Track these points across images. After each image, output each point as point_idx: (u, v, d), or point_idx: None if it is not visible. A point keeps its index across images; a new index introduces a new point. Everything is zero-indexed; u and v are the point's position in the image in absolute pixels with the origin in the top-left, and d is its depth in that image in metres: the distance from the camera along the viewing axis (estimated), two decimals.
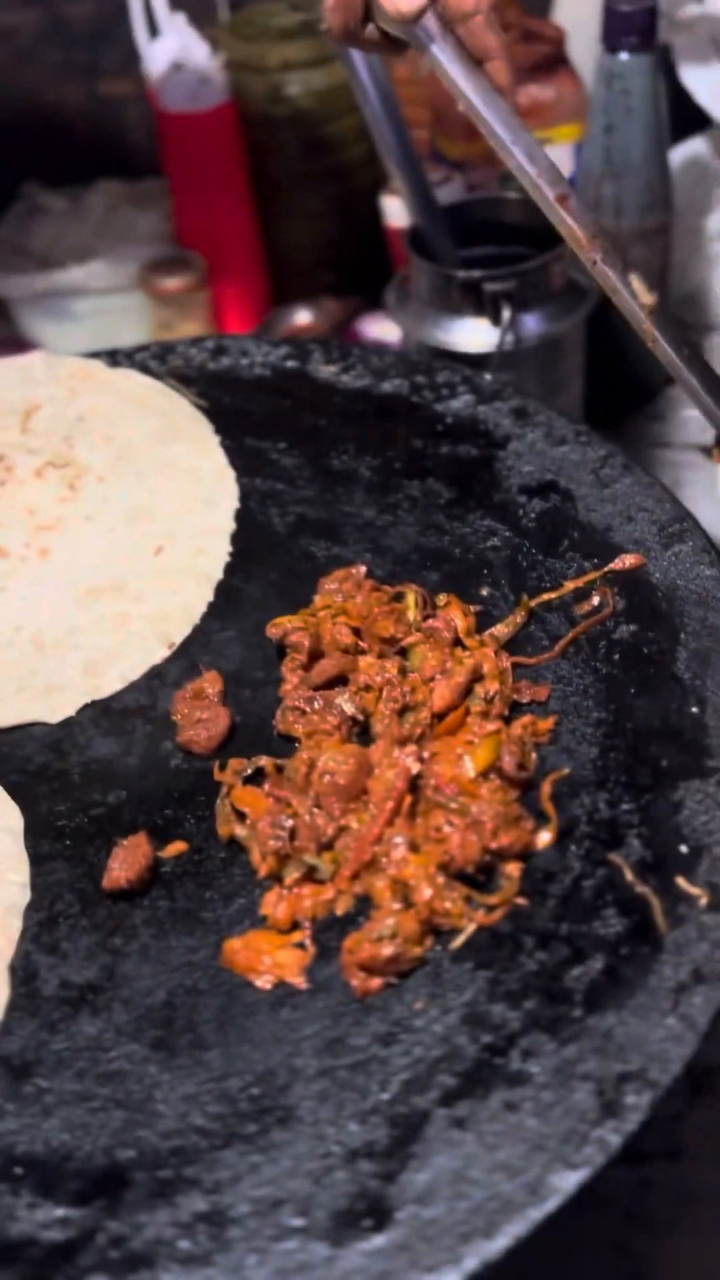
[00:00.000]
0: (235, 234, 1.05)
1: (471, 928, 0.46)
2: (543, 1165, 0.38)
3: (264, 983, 0.45)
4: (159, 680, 0.58)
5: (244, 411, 0.69)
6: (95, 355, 0.73)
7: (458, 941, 0.45)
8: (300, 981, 0.45)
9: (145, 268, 1.03)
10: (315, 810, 0.49)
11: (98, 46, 1.16)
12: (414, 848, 0.47)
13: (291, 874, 0.48)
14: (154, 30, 1.04)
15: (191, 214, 1.05)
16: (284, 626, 0.57)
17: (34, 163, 1.17)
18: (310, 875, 0.48)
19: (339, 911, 0.47)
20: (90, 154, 1.18)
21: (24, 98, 1.17)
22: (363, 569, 0.59)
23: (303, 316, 1.03)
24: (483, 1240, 0.37)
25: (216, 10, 1.09)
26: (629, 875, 0.45)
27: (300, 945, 0.46)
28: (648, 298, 0.52)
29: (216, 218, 1.04)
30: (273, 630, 0.57)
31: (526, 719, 0.51)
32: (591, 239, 0.55)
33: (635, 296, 0.53)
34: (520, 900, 0.46)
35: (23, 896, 0.50)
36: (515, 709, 0.53)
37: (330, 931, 0.47)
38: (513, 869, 0.47)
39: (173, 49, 1.01)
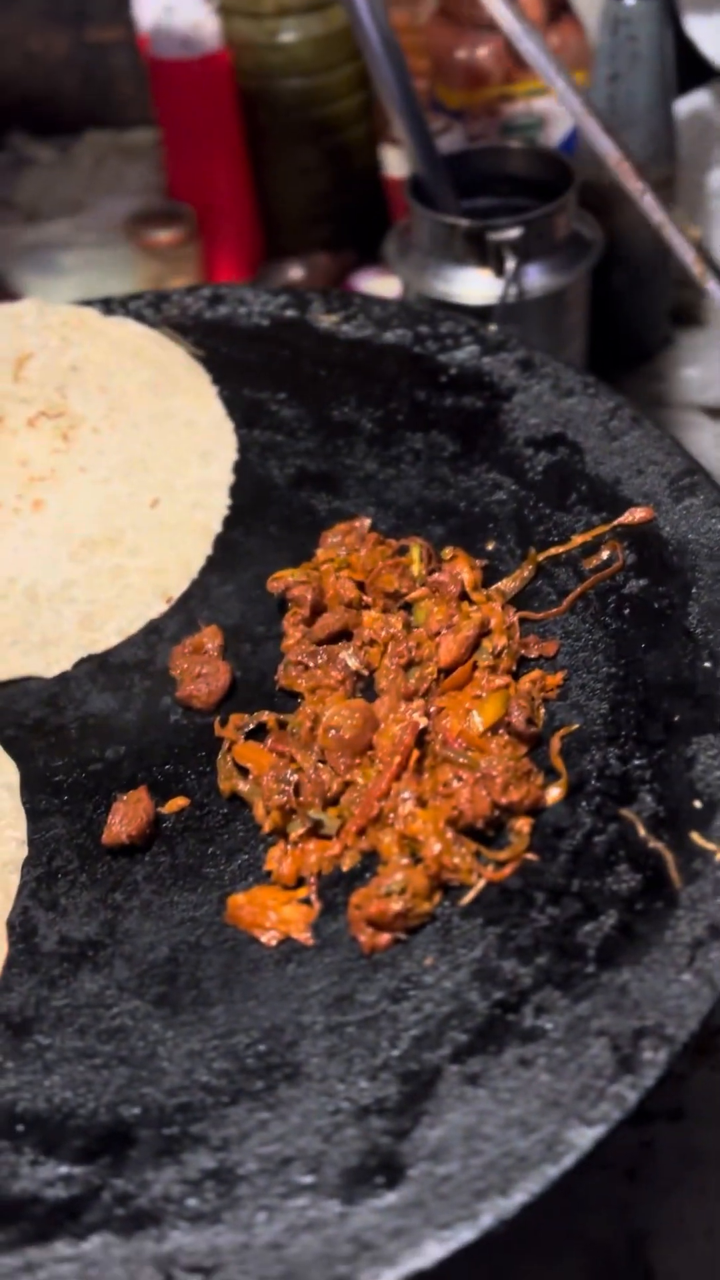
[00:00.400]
0: (227, 186, 1.02)
1: (481, 883, 0.45)
2: (558, 1121, 0.38)
3: (269, 939, 0.44)
4: (157, 635, 0.57)
5: (242, 361, 0.67)
6: (89, 303, 0.71)
7: (467, 898, 0.44)
8: (306, 937, 0.44)
9: (134, 220, 1.01)
10: (320, 765, 0.48)
11: None
12: (422, 803, 0.46)
13: (296, 829, 0.47)
14: None
15: (182, 165, 1.03)
16: (286, 580, 0.56)
17: (19, 113, 1.15)
18: (315, 830, 0.47)
19: (345, 867, 0.46)
20: (78, 104, 1.15)
21: (8, 45, 1.14)
22: (366, 522, 0.58)
23: (296, 271, 1.01)
24: (498, 1197, 0.36)
25: None
26: (642, 830, 0.45)
27: (305, 901, 0.45)
28: (694, 231, 0.50)
29: (208, 169, 1.02)
30: (274, 584, 0.56)
31: (535, 674, 0.50)
32: (640, 170, 0.53)
33: (683, 230, 0.52)
34: (530, 856, 0.45)
35: (20, 852, 0.48)
36: (523, 664, 0.52)
37: (336, 887, 0.46)
38: (522, 825, 0.46)
39: None
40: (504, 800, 0.46)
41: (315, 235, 1.06)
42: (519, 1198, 0.36)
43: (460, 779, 0.46)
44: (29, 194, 1.08)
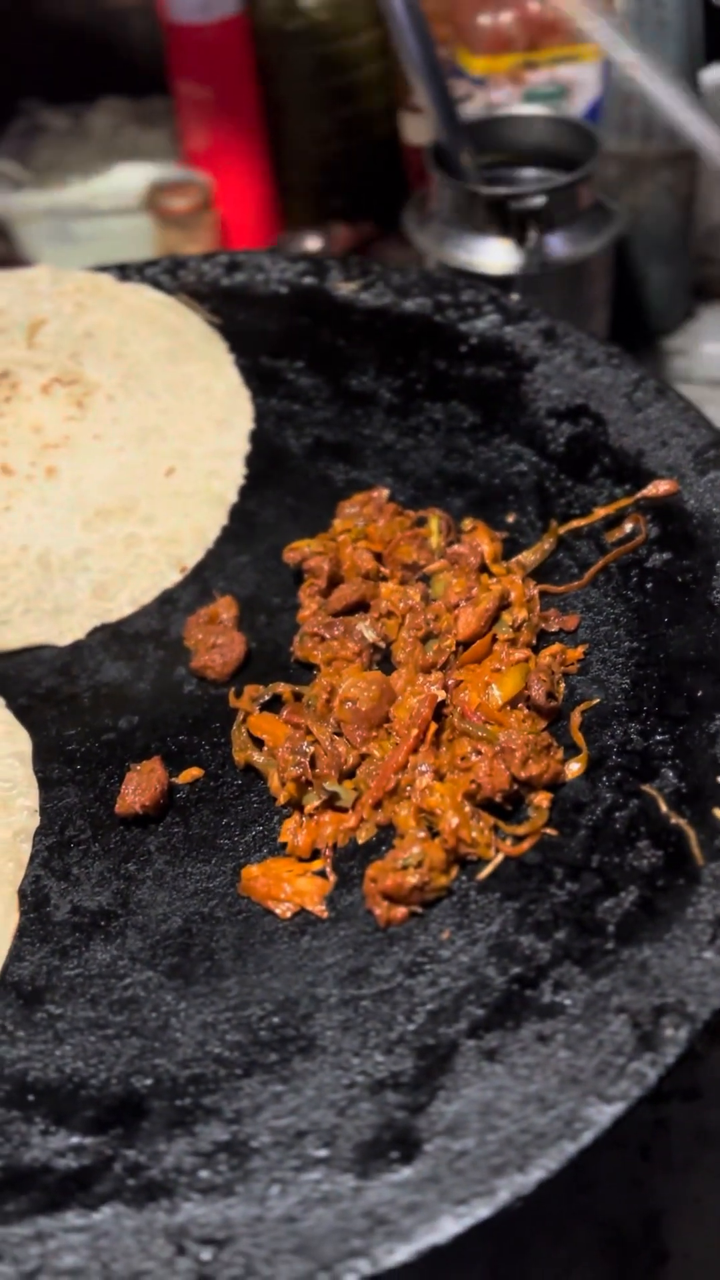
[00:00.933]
0: (244, 154, 1.01)
1: (499, 858, 0.44)
2: (577, 1098, 0.37)
3: (284, 910, 0.44)
4: (171, 605, 0.56)
5: (259, 329, 0.66)
6: (104, 269, 0.70)
7: (485, 872, 0.44)
8: (321, 910, 0.44)
9: (151, 188, 1.00)
10: (336, 737, 0.48)
11: None
12: (439, 776, 0.46)
13: (312, 801, 0.46)
14: None
15: (199, 132, 1.01)
16: (302, 551, 0.55)
17: (34, 79, 1.13)
18: (331, 803, 0.47)
19: (361, 839, 0.45)
20: (93, 70, 1.13)
21: (22, 9, 1.13)
22: (384, 492, 0.57)
23: (313, 242, 1.00)
24: (516, 1174, 0.36)
25: None
26: (663, 806, 0.44)
27: (321, 873, 0.45)
28: None
29: (224, 136, 1.00)
30: (290, 555, 0.55)
31: (555, 648, 0.50)
32: None
33: None
34: (550, 831, 0.44)
35: (32, 821, 0.48)
36: (544, 638, 0.51)
37: (352, 860, 0.45)
38: (541, 799, 0.45)
39: None
40: (523, 774, 0.45)
41: (333, 206, 1.05)
42: (537, 1174, 0.36)
43: (479, 753, 0.46)
44: (43, 161, 1.06)
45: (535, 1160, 0.36)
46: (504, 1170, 0.36)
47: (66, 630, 0.55)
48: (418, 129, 0.92)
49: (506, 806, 0.45)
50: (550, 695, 0.48)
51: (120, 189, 1.02)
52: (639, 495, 0.54)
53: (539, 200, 0.70)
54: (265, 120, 1.02)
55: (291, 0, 0.97)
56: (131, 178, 1.02)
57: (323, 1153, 0.37)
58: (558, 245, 0.73)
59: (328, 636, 0.52)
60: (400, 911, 0.43)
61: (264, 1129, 0.38)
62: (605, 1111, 0.37)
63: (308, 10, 0.97)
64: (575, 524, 0.54)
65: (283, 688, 0.50)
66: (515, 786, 0.45)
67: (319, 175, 1.04)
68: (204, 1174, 0.37)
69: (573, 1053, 0.38)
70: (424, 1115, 0.37)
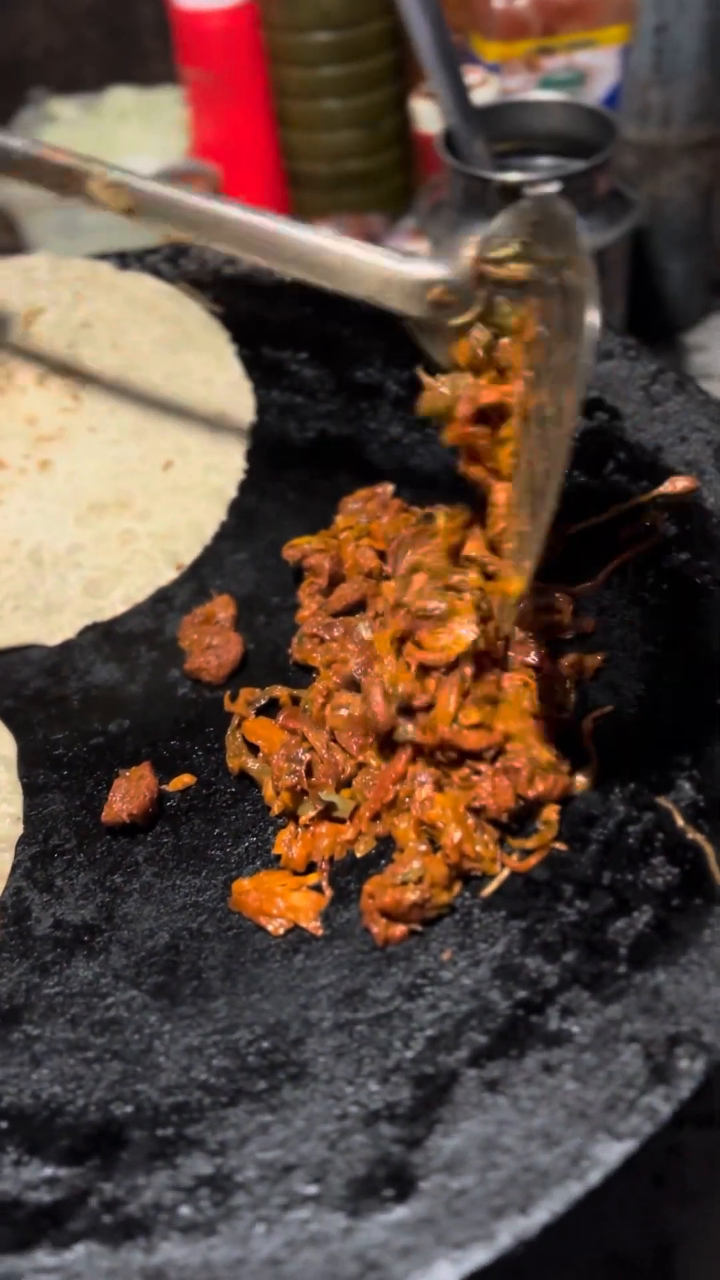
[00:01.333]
0: (252, 144, 0.99)
1: (504, 873, 0.42)
2: (584, 1134, 0.35)
3: (276, 927, 0.41)
4: (166, 604, 0.54)
5: (262, 319, 0.64)
6: (103, 257, 0.68)
7: (489, 888, 0.41)
8: (316, 927, 0.41)
9: (157, 178, 0.97)
10: (333, 745, 0.45)
11: None
12: (440, 786, 0.43)
13: (307, 811, 0.44)
14: None
15: (207, 121, 0.99)
16: (302, 548, 0.52)
17: (42, 68, 1.11)
18: (327, 813, 0.44)
19: (359, 853, 0.43)
20: (102, 59, 1.12)
21: None
22: (389, 488, 0.55)
23: None
24: (517, 1215, 0.33)
25: None
26: (680, 820, 0.41)
27: (316, 888, 0.42)
28: None
29: (233, 126, 0.99)
30: (290, 552, 0.53)
31: (573, 657, 0.47)
32: None
33: None
34: (558, 846, 0.42)
35: (15, 829, 0.46)
36: (560, 645, 0.48)
37: (349, 874, 0.43)
38: (550, 812, 0.43)
39: None
40: (530, 793, 0.42)
41: (342, 199, 1.03)
42: (540, 1216, 0.33)
43: (479, 772, 0.43)
44: None
45: (539, 1201, 0.33)
46: (505, 1212, 0.33)
47: (57, 629, 0.53)
48: (430, 117, 0.90)
49: (512, 825, 0.43)
50: (561, 707, 0.45)
51: None
52: (656, 492, 0.52)
53: (554, 187, 0.68)
54: (275, 109, 1.00)
55: None
56: (138, 168, 1.00)
57: (312, 1189, 0.35)
58: None
59: (327, 638, 0.49)
60: (399, 930, 0.41)
61: (250, 1162, 0.36)
62: (614, 1149, 0.34)
63: None
64: (590, 522, 0.52)
65: (279, 691, 0.48)
66: (522, 804, 0.43)
67: (329, 167, 1.02)
68: (184, 1210, 0.35)
69: (580, 1084, 0.36)
70: (421, 1150, 0.35)
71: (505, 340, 0.45)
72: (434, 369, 0.48)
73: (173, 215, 0.50)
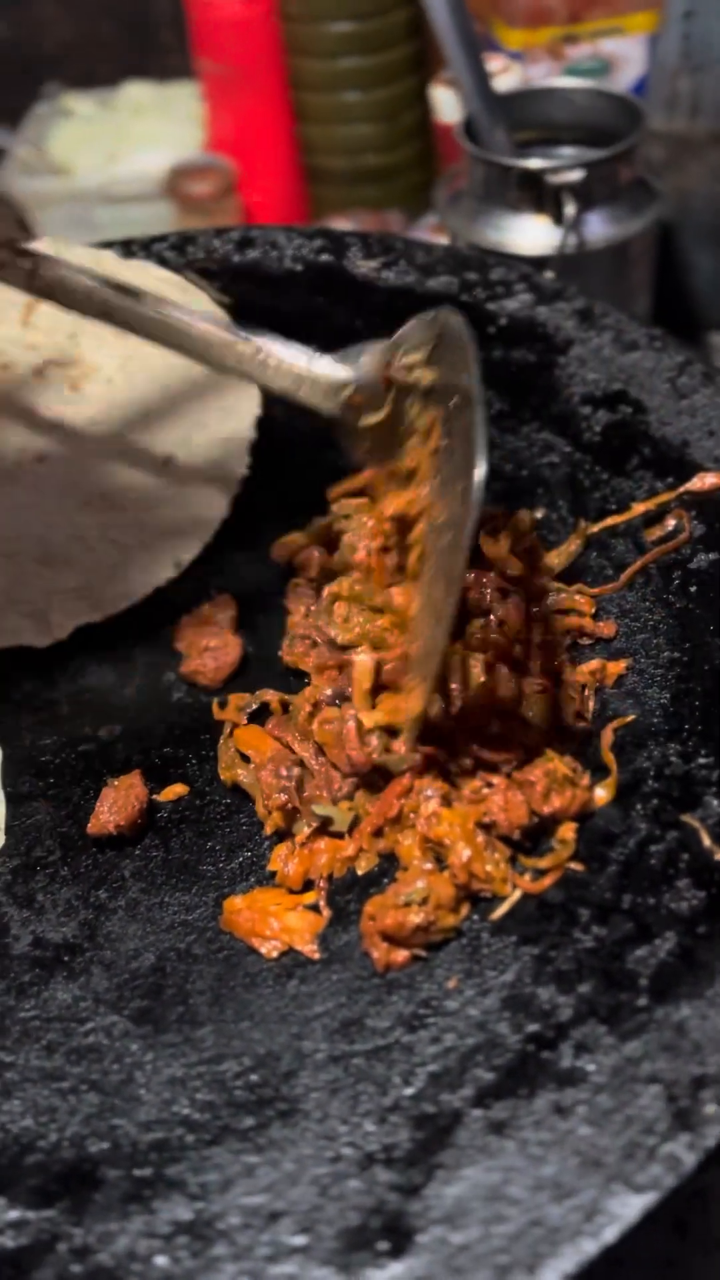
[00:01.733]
0: (269, 137, 0.97)
1: (516, 895, 0.39)
2: (599, 1185, 0.31)
3: (269, 950, 0.39)
4: (163, 604, 0.51)
5: (272, 309, 0.61)
6: (108, 245, 0.65)
7: (499, 911, 0.38)
8: (312, 950, 0.38)
9: (172, 173, 0.96)
10: (323, 758, 0.42)
11: None
12: (448, 801, 0.40)
13: (302, 830, 0.41)
14: None
15: (223, 116, 0.97)
16: (290, 546, 0.50)
17: (56, 63, 1.10)
18: (325, 828, 0.41)
19: (361, 870, 0.40)
20: (117, 54, 1.10)
21: None
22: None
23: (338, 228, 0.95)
24: (524, 1275, 0.30)
25: None
26: (706, 840, 0.38)
27: (313, 908, 0.40)
28: None
29: (250, 120, 0.96)
30: (279, 551, 0.50)
31: (594, 665, 0.44)
32: None
33: None
34: (575, 866, 0.39)
35: None
36: (579, 650, 0.45)
37: (349, 893, 0.40)
38: (566, 830, 0.40)
39: None
40: (545, 809, 0.39)
41: (360, 194, 1.01)
42: (549, 1277, 0.30)
43: (490, 785, 0.40)
44: (64, 145, 1.03)
45: (547, 1260, 0.30)
46: (510, 1271, 0.30)
47: (48, 630, 0.51)
48: (450, 105, 0.87)
49: (525, 844, 0.40)
50: (579, 715, 0.42)
51: (141, 174, 0.98)
52: (682, 489, 0.49)
53: (577, 174, 0.65)
54: (292, 102, 0.98)
55: None
56: (153, 163, 0.98)
57: (299, 1240, 0.32)
58: (596, 224, 0.68)
59: (318, 640, 0.46)
60: (401, 955, 0.38)
61: (233, 1208, 0.33)
62: (632, 1203, 0.31)
63: None
64: (611, 521, 0.49)
65: (270, 696, 0.45)
66: (535, 821, 0.40)
67: (347, 160, 1.00)
68: (160, 1261, 0.32)
69: (595, 1129, 0.32)
70: (419, 1199, 0.32)
71: (413, 441, 0.44)
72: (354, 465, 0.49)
73: (87, 304, 0.48)
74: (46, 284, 0.49)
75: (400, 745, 0.40)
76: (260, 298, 0.62)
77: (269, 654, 0.48)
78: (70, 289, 0.49)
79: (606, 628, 0.46)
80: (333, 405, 0.47)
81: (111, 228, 0.99)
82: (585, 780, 0.41)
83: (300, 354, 0.47)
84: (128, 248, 0.65)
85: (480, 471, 0.36)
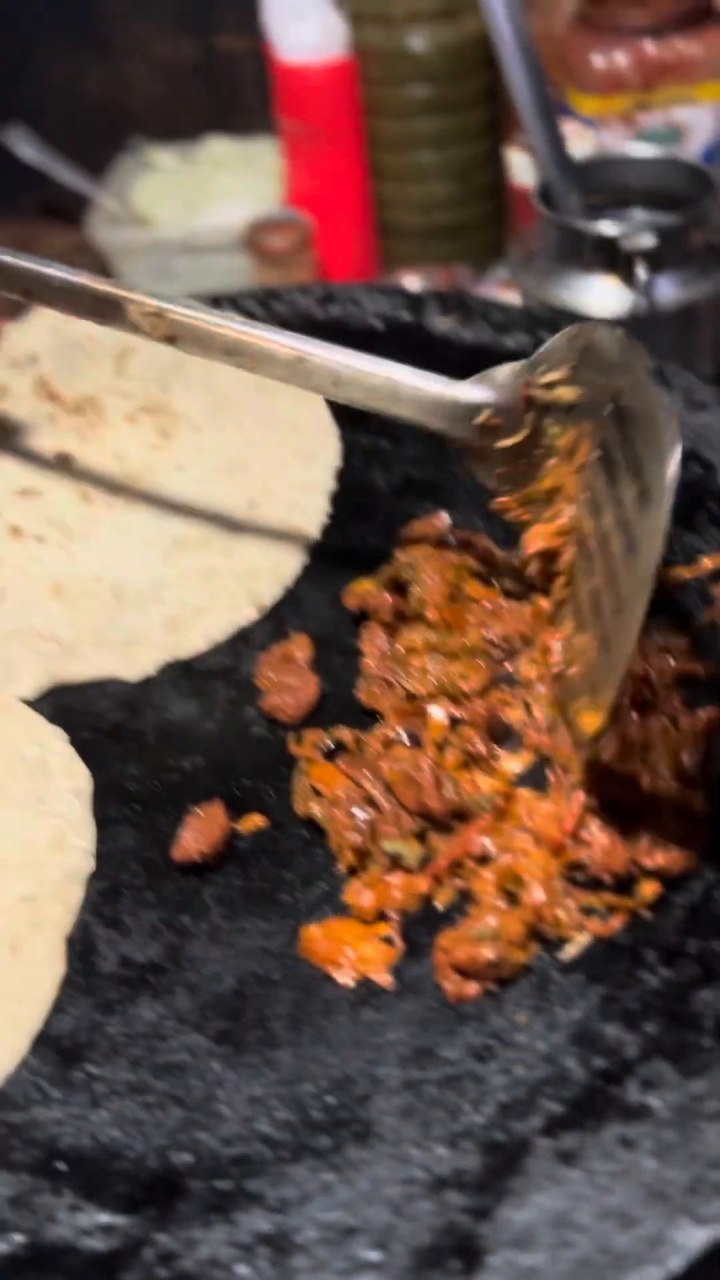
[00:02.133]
0: (346, 194, 1.00)
1: (585, 939, 0.40)
2: (663, 1217, 0.33)
3: (345, 978, 0.40)
4: (245, 642, 0.53)
5: None
6: (196, 298, 0.68)
7: (570, 952, 0.40)
8: (386, 980, 0.40)
9: (251, 226, 0.99)
10: (391, 795, 0.44)
11: None
12: (538, 840, 0.41)
13: (373, 868, 0.43)
14: None
15: (302, 172, 1.01)
16: (360, 595, 0.52)
17: (143, 118, 1.14)
18: (397, 863, 0.43)
19: (439, 904, 0.42)
20: (201, 111, 1.14)
21: (138, 50, 1.14)
22: (444, 518, 0.54)
23: (410, 283, 0.98)
24: None
25: None
26: None
27: (387, 940, 0.41)
28: None
29: (328, 176, 1.00)
30: (350, 600, 0.52)
31: (714, 711, 0.44)
32: None
33: None
34: (643, 911, 0.40)
35: (86, 864, 0.45)
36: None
37: (422, 926, 0.41)
38: (649, 888, 0.41)
39: None
40: (649, 863, 0.40)
41: (433, 250, 1.04)
42: None
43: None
44: (147, 197, 1.07)
45: None
46: None
47: (137, 664, 0.53)
48: (524, 168, 0.90)
49: (607, 882, 0.41)
50: (704, 764, 0.42)
51: (221, 227, 1.02)
52: None
53: (649, 239, 0.67)
54: (370, 161, 1.01)
55: (401, 42, 0.96)
56: (233, 216, 1.02)
57: (374, 1255, 0.33)
58: (666, 287, 0.70)
59: (393, 682, 0.48)
60: (473, 988, 0.39)
61: (310, 1223, 0.34)
62: (696, 1236, 0.32)
63: (419, 52, 0.97)
64: (678, 572, 0.51)
65: (345, 734, 0.47)
66: (634, 870, 0.41)
67: (421, 218, 1.03)
68: (241, 1269, 0.33)
69: (661, 1162, 0.34)
70: (489, 1221, 0.33)
71: (553, 461, 0.45)
72: (486, 491, 0.48)
73: (213, 344, 0.49)
74: (170, 326, 0.49)
75: (481, 785, 0.42)
76: None
77: (342, 691, 0.50)
78: (194, 330, 0.49)
79: (705, 667, 0.46)
80: (466, 430, 0.46)
81: (191, 278, 1.03)
82: (704, 834, 0.41)
83: (433, 380, 0.47)
84: (216, 302, 0.68)
85: (672, 468, 0.35)
